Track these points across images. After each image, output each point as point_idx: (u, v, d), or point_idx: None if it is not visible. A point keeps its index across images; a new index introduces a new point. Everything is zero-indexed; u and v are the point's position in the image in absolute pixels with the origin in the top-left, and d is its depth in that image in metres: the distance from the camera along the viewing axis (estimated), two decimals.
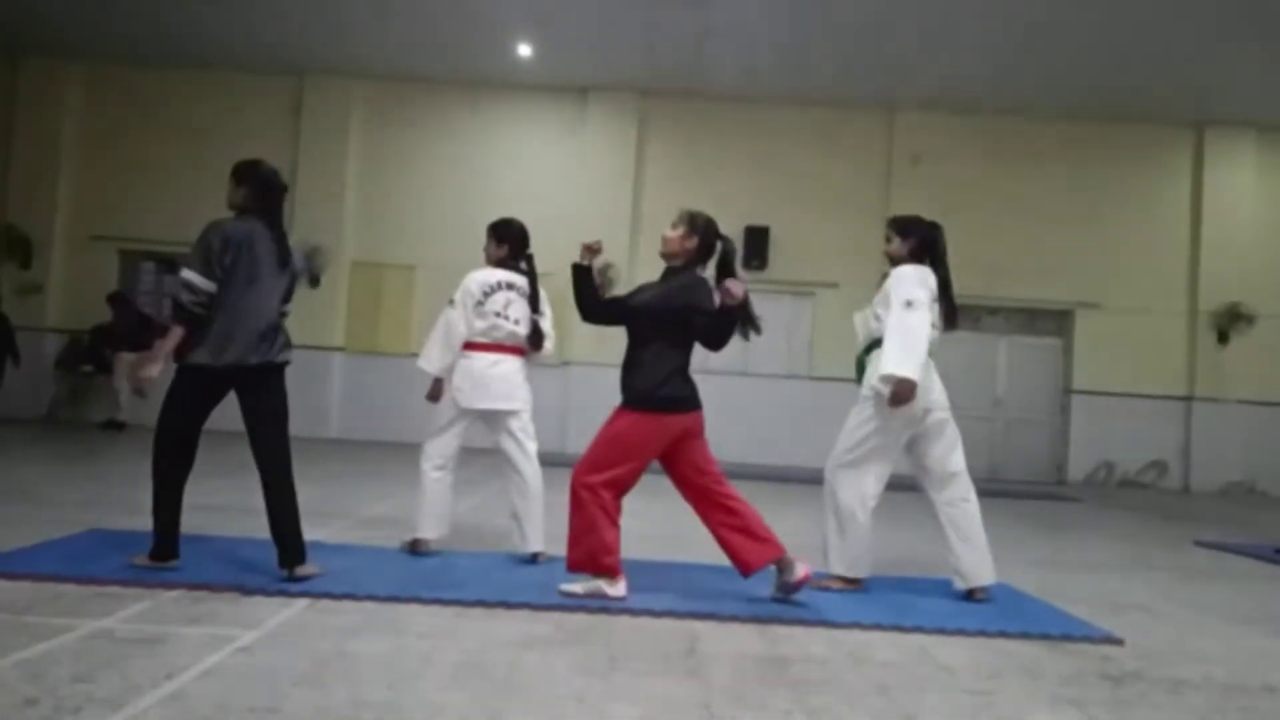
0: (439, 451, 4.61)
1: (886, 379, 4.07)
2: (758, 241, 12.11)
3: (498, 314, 4.54)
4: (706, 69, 11.57)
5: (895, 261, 4.40)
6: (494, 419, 4.62)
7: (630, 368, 3.94)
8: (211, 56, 12.13)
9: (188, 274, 3.73)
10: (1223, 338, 12.22)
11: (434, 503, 4.58)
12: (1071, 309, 12.53)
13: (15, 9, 11.00)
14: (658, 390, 3.87)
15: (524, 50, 11.41)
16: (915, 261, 4.34)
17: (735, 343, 3.99)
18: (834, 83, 11.83)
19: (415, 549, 4.57)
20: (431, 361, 4.58)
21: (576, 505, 3.84)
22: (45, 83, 12.35)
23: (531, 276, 4.70)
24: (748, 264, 12.14)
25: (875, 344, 4.30)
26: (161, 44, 11.82)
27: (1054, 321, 12.78)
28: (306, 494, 6.12)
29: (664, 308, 3.91)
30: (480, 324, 4.53)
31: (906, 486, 4.32)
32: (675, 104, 12.45)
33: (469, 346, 4.54)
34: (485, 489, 7.68)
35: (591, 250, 4.04)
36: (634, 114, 12.37)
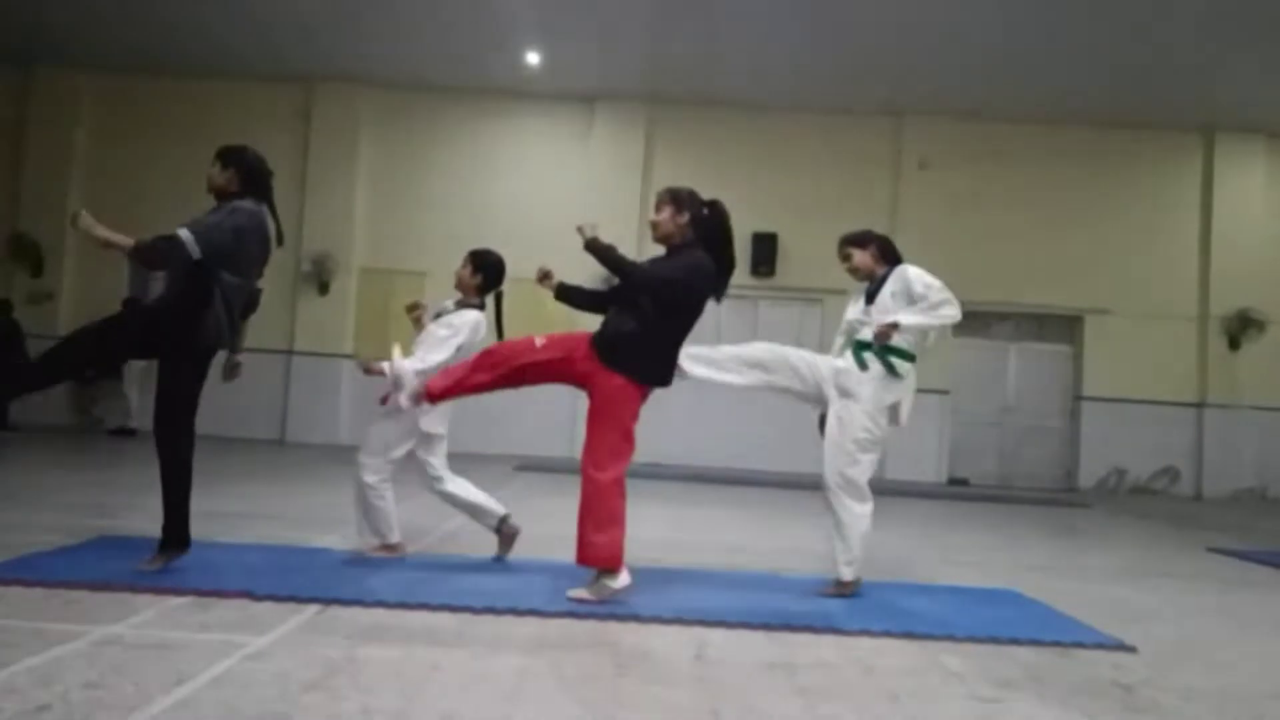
0: (388, 468, 4.57)
1: (894, 326, 4.11)
2: (766, 248, 12.12)
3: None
4: (714, 77, 11.60)
5: (865, 274, 4.46)
6: (429, 439, 4.66)
7: (648, 341, 3.92)
8: (221, 65, 12.21)
9: (188, 236, 3.70)
10: (1234, 344, 12.17)
11: (392, 510, 4.60)
12: (1081, 315, 12.49)
13: (28, 19, 11.09)
14: (669, 370, 3.99)
15: (532, 59, 11.45)
16: (883, 262, 4.41)
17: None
18: (841, 89, 11.84)
19: (395, 553, 4.57)
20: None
21: (604, 498, 3.82)
22: (56, 91, 12.45)
23: (499, 312, 4.73)
24: (755, 270, 12.16)
25: (883, 348, 4.29)
26: (172, 53, 11.91)
27: (1064, 327, 12.74)
28: (317, 500, 6.15)
29: (692, 285, 3.95)
30: (456, 359, 4.62)
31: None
32: (682, 111, 12.47)
33: None
34: (493, 495, 7.69)
35: (544, 276, 4.17)
36: (641, 122, 12.40)
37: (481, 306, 4.72)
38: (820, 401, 4.35)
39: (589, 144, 12.44)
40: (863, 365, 4.26)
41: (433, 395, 4.06)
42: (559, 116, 12.57)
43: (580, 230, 4.01)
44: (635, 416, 3.94)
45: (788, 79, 11.53)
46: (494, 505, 4.74)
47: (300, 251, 11.86)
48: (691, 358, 4.18)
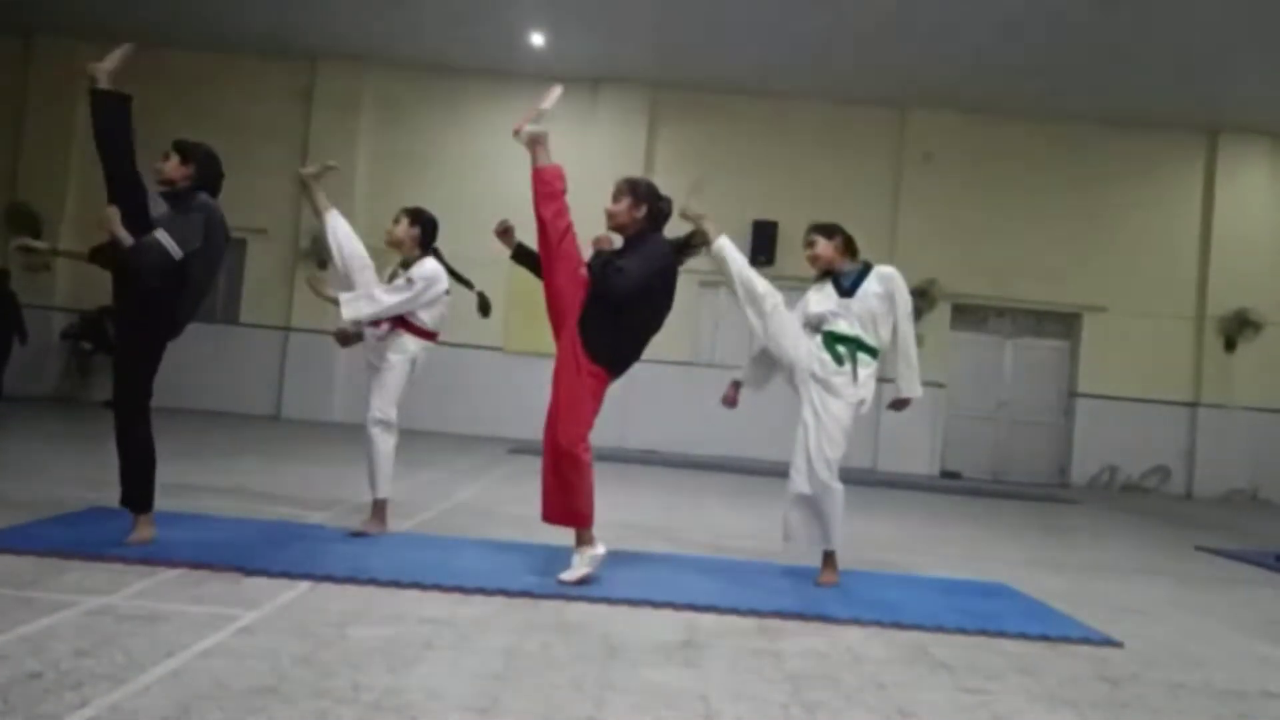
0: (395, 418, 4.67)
1: (906, 400, 4.33)
2: (765, 237, 12.08)
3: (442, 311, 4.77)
4: (718, 63, 11.55)
5: (824, 263, 4.48)
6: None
7: (613, 330, 3.95)
8: (225, 40, 12.15)
9: (168, 241, 3.83)
10: (1230, 344, 12.20)
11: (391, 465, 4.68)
12: (1079, 312, 12.51)
13: None
14: (634, 357, 4.05)
15: (536, 40, 11.40)
16: (845, 257, 4.46)
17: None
18: (846, 80, 11.80)
19: (379, 514, 4.61)
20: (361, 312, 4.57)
21: (578, 468, 3.90)
22: (58, 62, 12.34)
23: (450, 269, 4.79)
24: (755, 259, 12.12)
25: (856, 345, 4.34)
26: (175, 26, 11.83)
27: (1061, 324, 12.75)
28: (308, 478, 6.17)
29: (653, 283, 3.96)
30: (440, 312, 4.72)
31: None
32: (686, 97, 12.43)
33: (429, 336, 4.73)
34: (486, 476, 7.71)
35: (504, 231, 4.24)
36: (645, 106, 12.36)
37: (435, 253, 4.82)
38: (781, 369, 4.47)
39: (591, 127, 12.37)
40: (838, 358, 4.30)
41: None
42: (562, 99, 12.48)
43: (601, 241, 4.07)
44: (600, 394, 4.00)
45: (793, 68, 11.48)
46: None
47: (300, 228, 11.85)
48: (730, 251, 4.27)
